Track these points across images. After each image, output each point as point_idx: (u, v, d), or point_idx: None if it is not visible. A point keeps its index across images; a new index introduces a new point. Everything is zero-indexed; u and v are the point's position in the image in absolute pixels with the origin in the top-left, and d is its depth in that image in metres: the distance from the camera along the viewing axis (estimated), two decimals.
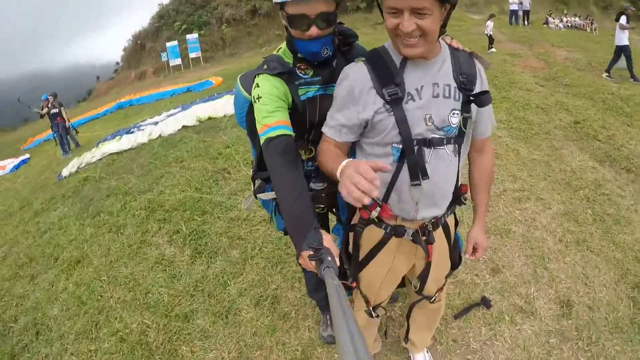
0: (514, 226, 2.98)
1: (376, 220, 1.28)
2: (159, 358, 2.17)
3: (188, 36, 23.54)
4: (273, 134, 1.19)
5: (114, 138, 6.94)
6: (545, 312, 2.25)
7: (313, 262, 0.74)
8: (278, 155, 1.17)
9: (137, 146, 6.15)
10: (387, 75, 1.11)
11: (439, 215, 1.28)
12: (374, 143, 1.19)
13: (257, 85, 1.27)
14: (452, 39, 1.24)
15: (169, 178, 4.42)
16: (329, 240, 0.79)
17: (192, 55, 23.45)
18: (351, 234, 1.42)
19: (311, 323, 2.24)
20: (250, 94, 1.40)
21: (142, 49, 30.51)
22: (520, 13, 14.91)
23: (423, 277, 1.42)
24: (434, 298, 1.55)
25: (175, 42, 23.40)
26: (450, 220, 1.42)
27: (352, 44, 1.40)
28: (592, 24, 16.01)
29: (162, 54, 24.20)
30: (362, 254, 1.40)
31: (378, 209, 1.23)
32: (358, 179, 0.79)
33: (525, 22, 14.88)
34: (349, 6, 23.34)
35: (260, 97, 1.24)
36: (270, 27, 27.16)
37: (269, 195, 1.55)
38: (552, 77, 7.09)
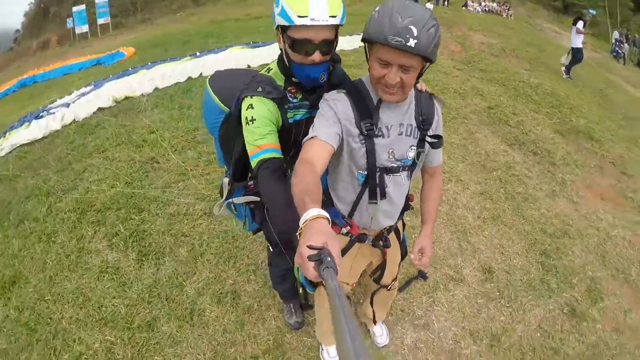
0: (440, 206, 3.36)
1: (344, 234, 1.51)
2: None
3: None
4: (267, 156, 1.27)
5: (21, 125, 6.01)
6: (472, 278, 2.70)
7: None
8: (271, 174, 1.26)
9: (49, 134, 5.40)
10: (365, 111, 1.27)
11: (392, 224, 1.54)
12: (343, 167, 1.35)
13: (251, 107, 1.30)
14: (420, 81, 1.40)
15: (92, 172, 4.02)
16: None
17: (100, 21, 20.79)
18: None
19: (275, 312, 2.38)
20: (227, 106, 1.48)
21: (45, 14, 26.33)
22: None
23: (381, 270, 1.71)
24: (390, 286, 1.85)
25: (83, 7, 20.48)
26: (399, 224, 1.69)
27: (336, 67, 1.46)
28: (508, 9, 17.30)
29: (67, 20, 21.09)
30: None
31: (348, 227, 1.47)
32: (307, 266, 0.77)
33: (445, 3, 15.78)
34: None
35: (254, 120, 1.29)
36: None
37: (241, 199, 1.63)
38: (468, 61, 7.70)
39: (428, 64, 1.18)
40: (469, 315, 2.44)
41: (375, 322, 2.15)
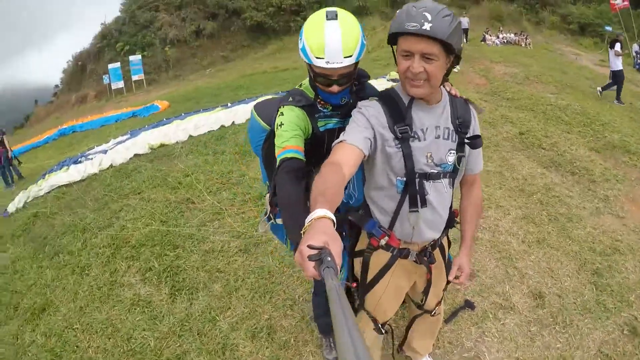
0: (480, 233, 3.20)
1: (384, 245, 1.41)
2: None
3: (131, 57, 22.63)
4: (288, 155, 1.32)
5: (61, 169, 6.43)
6: (522, 305, 2.49)
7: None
8: (287, 173, 1.30)
9: (87, 177, 5.74)
10: (398, 114, 1.25)
11: (437, 237, 1.43)
12: (380, 175, 1.30)
13: (282, 114, 1.40)
14: (452, 86, 1.41)
15: (129, 211, 4.18)
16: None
17: (134, 77, 22.53)
18: (357, 259, 1.53)
19: (313, 348, 2.23)
20: (268, 124, 1.57)
21: (83, 70, 28.83)
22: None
23: (425, 292, 1.57)
24: (433, 311, 1.68)
25: (118, 64, 22.37)
26: (444, 241, 1.58)
27: (364, 83, 1.52)
28: (526, 39, 17.43)
29: (104, 76, 23.01)
30: (370, 276, 1.49)
31: (386, 238, 1.37)
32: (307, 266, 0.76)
33: (465, 40, 16.13)
34: (292, 27, 23.74)
35: (282, 124, 1.37)
36: (214, 49, 26.99)
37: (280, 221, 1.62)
38: (494, 92, 7.73)
39: (453, 57, 1.18)
40: (523, 344, 2.20)
41: (400, 349, 1.96)
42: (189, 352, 2.27)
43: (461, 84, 8.31)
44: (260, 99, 1.63)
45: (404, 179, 1.28)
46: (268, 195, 1.66)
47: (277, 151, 1.35)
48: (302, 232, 0.82)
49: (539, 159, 4.71)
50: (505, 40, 16.77)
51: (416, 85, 1.18)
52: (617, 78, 8.32)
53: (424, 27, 1.07)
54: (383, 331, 1.63)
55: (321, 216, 0.83)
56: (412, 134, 1.25)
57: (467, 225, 1.51)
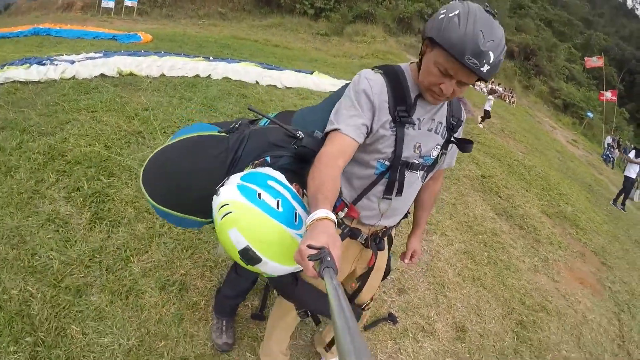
0: (423, 254, 3.23)
1: (340, 220, 1.33)
2: (43, 336, 1.79)
3: None
4: None
5: (22, 64, 5.86)
6: (443, 333, 2.50)
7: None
8: None
9: (45, 81, 5.25)
10: (400, 94, 1.17)
11: (391, 226, 1.39)
12: (363, 153, 1.22)
13: None
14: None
15: (76, 126, 3.83)
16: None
17: (127, 3, 21.12)
18: None
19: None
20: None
21: None
22: None
23: (363, 280, 1.50)
24: (364, 305, 1.62)
25: None
26: (393, 233, 1.54)
27: None
28: (512, 96, 18.33)
29: None
30: None
31: (345, 209, 1.29)
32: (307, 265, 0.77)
33: None
34: (297, 8, 23.35)
35: None
36: (214, 2, 25.89)
37: None
38: (468, 133, 7.90)
39: None
40: None
41: (327, 349, 1.88)
42: (91, 285, 2.05)
43: None
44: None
45: (387, 163, 1.20)
46: None
47: None
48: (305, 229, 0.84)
49: (494, 204, 4.87)
50: (492, 90, 17.48)
51: (438, 99, 1.13)
52: (625, 183, 8.75)
53: (482, 69, 0.98)
54: (308, 314, 1.53)
55: (322, 217, 0.83)
56: (410, 120, 1.17)
57: (424, 213, 1.57)
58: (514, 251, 3.89)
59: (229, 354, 1.93)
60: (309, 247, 0.73)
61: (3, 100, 4.32)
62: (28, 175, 2.86)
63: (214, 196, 1.02)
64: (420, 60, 1.12)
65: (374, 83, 1.15)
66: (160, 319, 1.98)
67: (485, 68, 0.98)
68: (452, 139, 1.28)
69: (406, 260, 1.59)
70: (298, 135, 1.19)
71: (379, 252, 1.43)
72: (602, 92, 21.57)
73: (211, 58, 8.21)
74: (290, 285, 1.33)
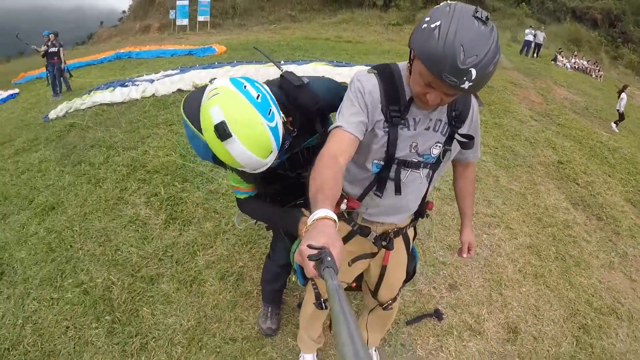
0: (479, 249, 3.09)
1: (346, 216, 1.37)
2: (120, 315, 2.20)
3: None
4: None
5: (107, 88, 6.73)
6: (493, 334, 2.37)
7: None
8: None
9: (128, 101, 6.00)
10: (393, 96, 1.17)
11: (399, 224, 1.39)
12: (361, 151, 1.23)
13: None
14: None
15: (155, 139, 4.37)
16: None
17: (200, 18, 22.80)
18: None
19: None
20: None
21: (151, 2, 29.52)
22: (533, 45, 15.09)
23: (377, 278, 1.53)
24: (386, 305, 1.64)
25: (186, 2, 22.70)
26: (410, 232, 1.53)
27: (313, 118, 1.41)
28: (599, 70, 16.12)
29: (170, 11, 23.46)
30: None
31: (345, 201, 1.30)
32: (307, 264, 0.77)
33: (535, 55, 15.07)
34: (366, 1, 23.04)
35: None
36: (283, 6, 26.64)
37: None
38: (547, 114, 7.22)
39: None
40: None
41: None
42: (162, 275, 2.43)
43: (515, 97, 7.83)
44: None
45: (382, 163, 1.22)
46: None
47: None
48: (304, 231, 0.84)
49: (569, 193, 4.41)
50: (576, 66, 15.55)
51: (427, 107, 1.14)
52: None
53: (462, 86, 0.94)
54: (324, 307, 1.59)
55: (322, 217, 0.83)
56: (403, 122, 1.17)
57: (466, 202, 1.54)
58: (588, 245, 3.51)
59: (272, 338, 2.13)
60: (309, 247, 0.73)
61: (92, 122, 5.08)
62: (114, 185, 3.40)
63: (208, 84, 1.18)
64: (411, 66, 1.09)
65: (366, 83, 1.16)
66: (217, 304, 2.27)
67: (466, 85, 0.94)
68: (456, 134, 1.22)
69: (464, 255, 1.53)
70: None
71: (396, 253, 1.45)
72: None
73: (282, 62, 8.45)
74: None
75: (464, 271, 2.84)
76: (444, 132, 1.22)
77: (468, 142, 1.20)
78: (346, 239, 1.42)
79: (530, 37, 14.96)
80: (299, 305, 2.23)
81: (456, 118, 1.21)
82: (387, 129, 1.17)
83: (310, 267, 0.71)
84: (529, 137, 5.69)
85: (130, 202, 3.18)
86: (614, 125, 8.23)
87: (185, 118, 1.32)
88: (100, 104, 5.81)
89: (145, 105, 5.68)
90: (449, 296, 2.59)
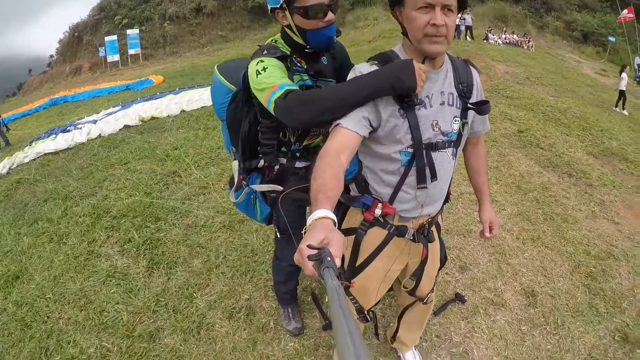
0: (474, 226, 3.12)
1: (381, 221, 1.29)
2: None
3: (128, 31, 22.13)
4: (290, 88, 1.20)
5: (48, 136, 6.26)
6: (514, 302, 2.41)
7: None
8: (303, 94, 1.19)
9: (74, 146, 5.58)
10: None
11: (432, 214, 1.33)
12: (382, 146, 1.19)
13: (262, 61, 1.30)
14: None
15: (113, 181, 4.04)
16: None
17: (131, 51, 22.06)
18: (347, 239, 1.38)
19: None
20: (234, 85, 1.50)
21: (79, 42, 28.13)
22: (463, 28, 15.97)
23: (418, 275, 1.46)
24: (426, 299, 1.59)
25: (115, 37, 21.84)
26: (440, 219, 1.48)
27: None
28: (529, 41, 17.32)
29: (100, 48, 22.46)
30: (361, 258, 1.36)
31: (380, 205, 1.24)
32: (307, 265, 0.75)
33: (468, 37, 15.95)
34: None
35: (266, 69, 1.27)
36: (213, 28, 26.53)
37: (263, 187, 1.57)
38: (494, 89, 7.61)
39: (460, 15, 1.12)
40: (512, 343, 2.12)
41: (393, 341, 1.87)
42: (162, 328, 2.15)
43: None
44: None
45: (410, 150, 1.16)
46: (236, 162, 1.60)
47: (266, 92, 1.21)
48: (302, 232, 0.83)
49: (537, 158, 4.63)
50: (507, 41, 16.67)
51: (437, 42, 1.06)
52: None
53: None
54: (369, 318, 1.52)
55: (322, 217, 0.83)
56: (418, 101, 1.13)
57: (481, 179, 1.52)
58: (568, 202, 3.67)
59: (316, 356, 1.96)
60: (309, 247, 0.72)
61: (40, 174, 4.62)
62: (80, 239, 3.04)
63: None
64: (404, 28, 1.11)
65: None
66: (235, 347, 2.03)
67: None
68: (469, 105, 1.21)
69: (487, 234, 1.49)
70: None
71: (433, 244, 1.39)
72: (619, 12, 20.08)
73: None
74: None
75: (468, 251, 2.84)
76: (458, 106, 1.20)
77: (484, 107, 1.19)
78: (382, 245, 1.33)
79: (458, 22, 15.83)
80: (325, 327, 2.08)
81: (464, 90, 1.21)
82: (404, 115, 1.12)
83: (309, 267, 0.70)
84: None
85: (103, 254, 2.84)
86: (616, 108, 9.00)
87: (219, 73, 1.53)
88: (45, 154, 5.36)
89: (93, 148, 5.30)
90: (463, 278, 2.58)
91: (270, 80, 1.22)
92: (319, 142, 1.62)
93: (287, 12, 1.32)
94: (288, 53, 1.38)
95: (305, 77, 1.41)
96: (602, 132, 5.78)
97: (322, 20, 1.30)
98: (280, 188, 1.54)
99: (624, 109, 9.13)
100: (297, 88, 1.22)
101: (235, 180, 1.64)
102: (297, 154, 1.57)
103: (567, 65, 14.52)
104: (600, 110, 7.80)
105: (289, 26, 1.36)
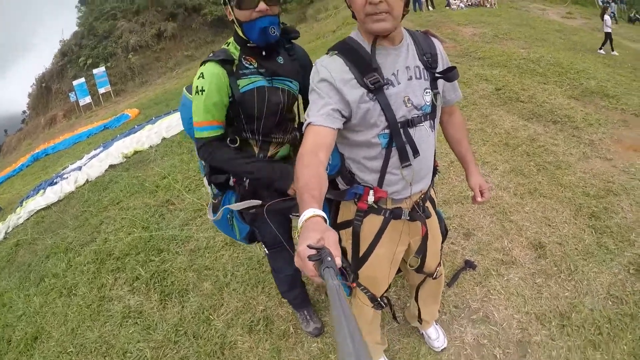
0: (470, 192, 3.11)
1: (375, 207, 1.30)
2: None
3: (95, 70, 21.91)
4: (204, 134, 1.41)
5: (37, 193, 6.21)
6: (523, 258, 2.44)
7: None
8: (218, 149, 1.42)
9: (64, 197, 5.54)
10: (363, 64, 1.13)
11: (423, 189, 1.34)
12: (359, 133, 1.19)
13: (202, 76, 1.36)
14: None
15: (109, 223, 4.03)
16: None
17: (101, 90, 21.83)
18: (344, 231, 1.40)
19: None
20: None
21: (48, 92, 27.83)
22: None
23: (422, 252, 1.47)
24: (435, 274, 1.60)
25: (82, 79, 21.59)
26: (432, 193, 1.49)
27: (293, 42, 1.55)
28: None
29: (70, 94, 22.24)
30: (363, 248, 1.38)
31: (371, 192, 1.25)
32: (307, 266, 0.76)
33: (429, 7, 15.91)
34: None
35: (202, 91, 1.36)
36: (178, 49, 26.38)
37: (241, 205, 1.55)
38: (464, 53, 7.60)
39: None
40: (530, 297, 2.15)
41: (420, 321, 1.88)
42: (187, 357, 2.15)
43: None
44: None
45: (387, 132, 1.16)
46: (205, 179, 1.62)
47: (196, 120, 1.38)
48: (296, 235, 0.83)
49: (519, 112, 4.66)
50: (470, 3, 16.62)
51: (379, 19, 1.06)
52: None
53: None
54: (383, 304, 1.54)
55: (311, 216, 0.83)
56: (385, 81, 1.13)
57: (462, 147, 1.52)
58: (558, 149, 3.70)
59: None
60: (309, 247, 0.72)
61: (36, 232, 4.59)
62: (89, 287, 3.03)
63: None
64: (352, 12, 1.13)
65: (332, 67, 1.13)
66: (260, 359, 2.04)
67: None
68: (436, 74, 1.21)
69: (479, 199, 1.49)
70: None
71: (430, 219, 1.39)
72: None
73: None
74: None
75: (469, 217, 2.87)
76: (426, 77, 1.20)
77: (452, 73, 1.20)
78: (381, 231, 1.34)
79: None
80: None
81: (429, 60, 1.21)
82: (374, 97, 1.13)
83: (310, 268, 0.70)
84: (460, 79, 5.90)
85: (114, 296, 2.83)
86: (601, 50, 9.14)
87: (186, 92, 1.52)
88: (37, 211, 5.32)
89: (83, 195, 5.27)
90: (469, 244, 2.60)
91: (199, 115, 1.39)
92: (286, 153, 1.62)
93: (227, 6, 1.36)
94: (236, 55, 1.41)
95: (256, 78, 1.42)
96: (579, 74, 5.82)
97: (254, 11, 1.30)
98: (258, 202, 1.52)
99: (612, 50, 9.32)
100: (211, 134, 1.40)
101: (211, 197, 1.67)
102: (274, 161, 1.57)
103: (533, 15, 14.55)
104: (573, 53, 7.85)
105: (233, 21, 1.38)
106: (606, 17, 10.06)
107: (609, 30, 9.71)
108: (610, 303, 2.08)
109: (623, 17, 16.73)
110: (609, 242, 2.48)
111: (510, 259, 2.42)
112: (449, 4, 16.11)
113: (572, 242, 2.51)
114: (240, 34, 1.39)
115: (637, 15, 17.43)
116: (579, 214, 2.78)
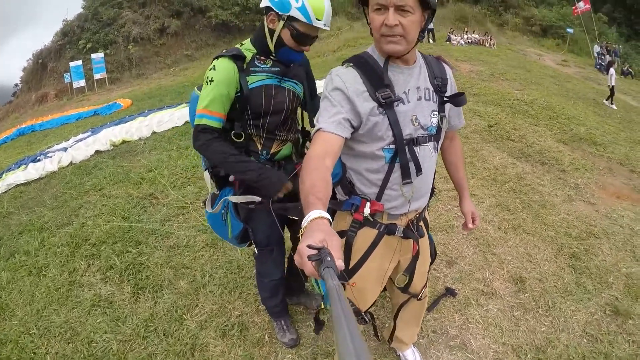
0: (455, 221, 3.18)
1: (371, 220, 1.30)
2: None
3: (93, 55, 21.56)
4: (204, 122, 1.44)
5: (18, 167, 6.00)
6: (503, 290, 2.47)
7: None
8: (211, 140, 1.44)
9: (46, 175, 5.37)
10: (377, 79, 1.16)
11: (419, 209, 1.36)
12: (364, 145, 1.21)
13: (214, 68, 1.44)
14: None
15: (89, 208, 3.91)
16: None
17: (96, 76, 21.48)
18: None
19: None
20: None
21: (43, 69, 27.11)
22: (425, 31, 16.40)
23: (411, 271, 1.48)
24: (420, 295, 1.60)
25: (80, 62, 21.22)
26: (426, 214, 1.51)
27: None
28: (490, 39, 18.16)
29: (65, 74, 21.77)
30: (354, 260, 1.38)
31: (368, 204, 1.26)
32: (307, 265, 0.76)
33: (430, 40, 16.45)
34: (258, 26, 23.73)
35: (212, 81, 1.43)
36: (178, 47, 26.31)
37: (241, 198, 1.58)
38: (460, 88, 7.72)
39: (429, 13, 1.12)
40: (508, 329, 2.17)
41: (391, 341, 1.89)
42: (155, 354, 2.07)
43: None
44: None
45: (392, 147, 1.18)
46: (206, 172, 1.66)
47: (199, 107, 1.43)
48: (299, 235, 0.83)
49: (509, 150, 4.80)
50: (470, 41, 17.29)
51: (393, 42, 1.10)
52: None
53: None
54: (367, 319, 1.53)
55: (316, 217, 0.83)
56: (396, 98, 1.16)
57: (459, 174, 1.57)
58: (544, 189, 3.82)
59: None
60: (309, 247, 0.72)
61: (12, 207, 4.42)
62: (60, 270, 2.91)
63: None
64: (368, 20, 1.15)
65: (346, 77, 1.15)
66: None
67: None
68: (445, 98, 1.25)
69: (470, 226, 1.54)
70: None
71: (422, 239, 1.41)
72: (574, 5, 21.18)
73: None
74: None
75: (453, 246, 2.90)
76: (434, 100, 1.24)
77: (460, 98, 1.24)
78: (374, 245, 1.34)
79: None
80: (316, 331, 2.05)
81: (440, 83, 1.26)
82: (384, 112, 1.15)
83: (309, 267, 0.71)
84: None
85: (85, 283, 2.73)
86: (606, 102, 9.33)
87: (197, 90, 1.57)
88: (16, 186, 5.12)
89: (65, 176, 5.11)
90: (451, 272, 2.63)
91: (203, 103, 1.43)
92: (288, 153, 1.65)
93: (281, 22, 1.42)
94: (248, 54, 1.50)
95: (264, 76, 1.51)
96: (569, 120, 6.07)
97: (302, 47, 1.48)
98: (258, 199, 1.55)
99: (612, 103, 9.58)
100: (210, 123, 1.44)
101: (209, 190, 1.68)
102: (267, 165, 1.59)
103: (529, 59, 15.18)
104: (566, 99, 8.17)
105: (271, 31, 1.46)
106: (612, 70, 10.26)
107: (614, 84, 9.90)
108: (586, 341, 2.12)
109: (616, 70, 17.59)
110: (588, 282, 2.55)
111: (491, 290, 2.45)
112: (449, 39, 16.68)
113: (552, 280, 2.57)
114: (269, 45, 1.49)
115: (629, 70, 18.28)
116: (560, 253, 2.85)
